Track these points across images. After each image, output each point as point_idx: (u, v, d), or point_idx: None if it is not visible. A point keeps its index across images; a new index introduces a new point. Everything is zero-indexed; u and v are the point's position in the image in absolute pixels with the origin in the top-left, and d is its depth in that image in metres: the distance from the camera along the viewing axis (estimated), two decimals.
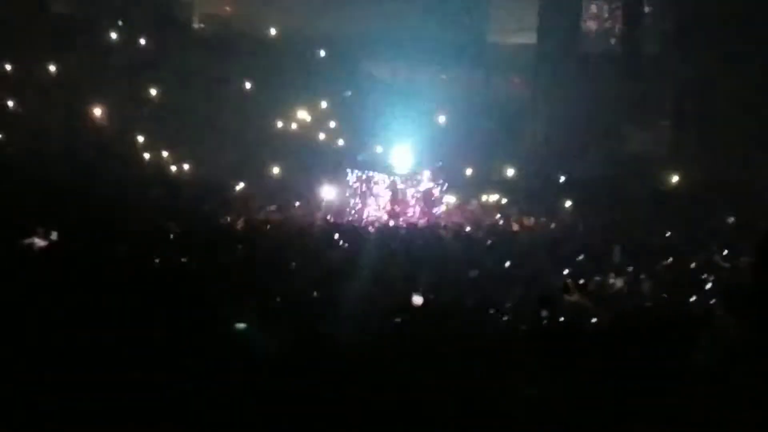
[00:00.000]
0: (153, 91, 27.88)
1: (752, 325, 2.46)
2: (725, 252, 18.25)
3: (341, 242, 18.25)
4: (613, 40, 35.98)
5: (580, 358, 6.49)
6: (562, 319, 9.41)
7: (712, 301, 12.89)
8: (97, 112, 24.96)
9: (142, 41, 30.79)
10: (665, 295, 14.08)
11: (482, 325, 8.16)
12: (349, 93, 33.14)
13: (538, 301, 10.62)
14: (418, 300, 9.62)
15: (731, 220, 22.65)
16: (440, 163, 25.78)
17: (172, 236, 16.31)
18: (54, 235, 13.33)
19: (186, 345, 6.25)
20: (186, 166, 24.68)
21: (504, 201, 25.70)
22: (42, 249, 12.40)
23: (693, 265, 17.38)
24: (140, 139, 25.16)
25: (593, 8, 36.36)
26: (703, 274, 16.04)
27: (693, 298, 13.48)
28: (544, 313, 9.24)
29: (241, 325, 8.31)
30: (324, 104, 31.58)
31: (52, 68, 26.64)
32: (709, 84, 30.59)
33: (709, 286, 14.62)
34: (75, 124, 24.82)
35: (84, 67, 27.16)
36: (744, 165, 27.31)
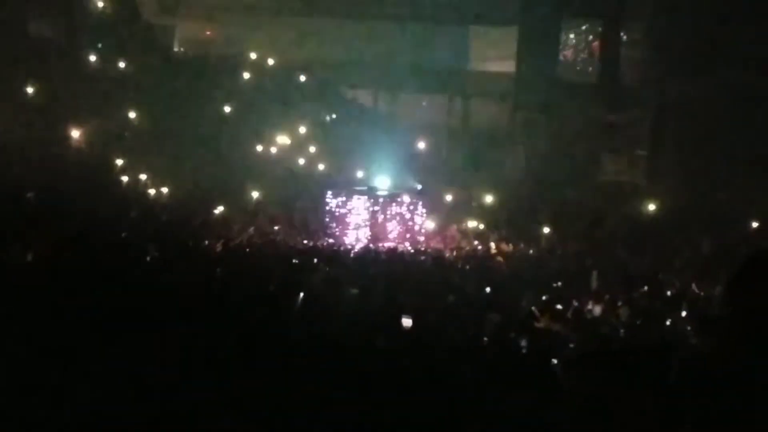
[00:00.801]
0: (132, 114, 27.86)
1: (725, 353, 2.50)
2: (701, 280, 18.43)
3: (321, 266, 18.23)
4: (590, 68, 36.42)
5: (557, 383, 6.53)
6: (537, 345, 9.45)
7: (688, 328, 13.00)
8: (76, 134, 24.90)
9: (122, 64, 30.76)
10: (640, 322, 14.15)
11: (461, 350, 8.19)
12: (333, 116, 33.30)
13: (515, 328, 10.67)
14: (407, 322, 9.58)
15: (707, 247, 22.86)
16: (420, 187, 25.94)
17: (149, 258, 16.24)
18: (29, 257, 13.24)
19: (162, 367, 6.23)
20: (165, 189, 24.64)
21: (482, 226, 25.82)
22: (17, 269, 12.30)
23: (669, 292, 17.53)
24: (119, 161, 25.10)
25: (572, 37, 36.81)
26: (679, 302, 16.16)
27: (668, 326, 13.58)
28: (523, 341, 9.26)
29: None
30: (304, 129, 31.67)
31: (30, 90, 26.57)
32: (687, 112, 30.97)
33: (684, 314, 14.73)
34: (53, 146, 24.73)
35: (63, 90, 27.09)
36: (720, 193, 27.61)
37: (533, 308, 12.47)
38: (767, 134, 28.85)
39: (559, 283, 17.63)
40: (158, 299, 8.32)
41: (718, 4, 30.16)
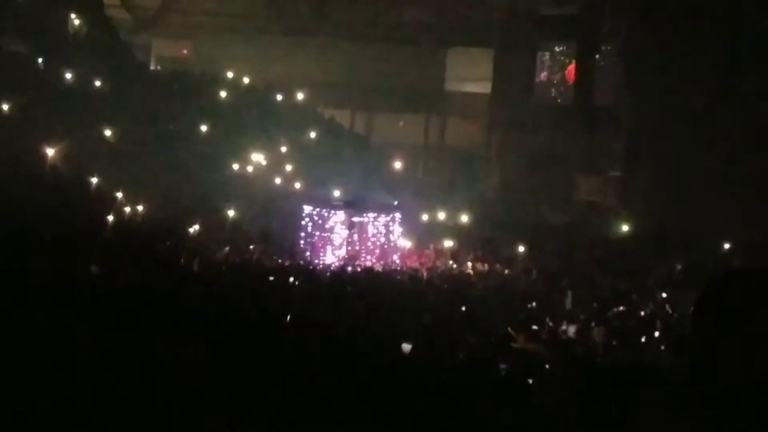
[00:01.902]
0: (108, 132, 27.71)
1: (695, 373, 2.55)
2: (674, 299, 18.59)
3: (296, 284, 18.23)
4: (564, 90, 36.75)
5: (534, 404, 6.58)
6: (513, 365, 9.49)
7: (662, 348, 13.12)
8: (51, 152, 24.71)
9: (98, 82, 30.62)
10: (615, 342, 14.25)
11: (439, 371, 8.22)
12: (311, 135, 33.32)
13: (493, 349, 10.71)
14: (406, 347, 9.57)
15: (680, 267, 23.06)
16: (396, 203, 25.96)
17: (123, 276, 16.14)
18: None
19: (137, 392, 6.20)
20: (140, 207, 24.50)
21: (457, 246, 25.88)
22: None
23: (642, 313, 17.67)
24: (94, 179, 24.94)
25: (547, 59, 37.17)
26: (652, 322, 16.29)
27: (642, 347, 13.68)
28: (502, 365, 9.29)
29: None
30: (281, 147, 31.67)
31: (5, 107, 26.38)
32: (660, 134, 31.29)
33: (657, 333, 14.86)
34: (28, 163, 24.53)
35: (38, 107, 26.91)
36: (693, 214, 27.85)
37: (510, 329, 12.52)
38: (740, 155, 29.22)
39: (533, 304, 17.72)
40: (134, 317, 8.28)
41: (692, 26, 30.57)
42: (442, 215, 28.52)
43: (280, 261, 23.20)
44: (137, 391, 5.93)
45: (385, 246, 24.76)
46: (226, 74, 35.29)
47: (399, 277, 21.60)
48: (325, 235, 24.48)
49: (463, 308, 16.29)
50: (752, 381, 2.41)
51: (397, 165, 33.64)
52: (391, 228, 24.95)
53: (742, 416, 2.42)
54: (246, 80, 35.66)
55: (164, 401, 5.73)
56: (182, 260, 19.76)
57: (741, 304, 2.47)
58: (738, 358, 2.43)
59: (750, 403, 2.41)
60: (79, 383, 5.84)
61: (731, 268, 2.60)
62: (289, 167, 30.67)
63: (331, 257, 24.27)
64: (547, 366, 9.91)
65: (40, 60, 29.99)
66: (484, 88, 37.14)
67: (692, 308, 2.70)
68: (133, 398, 5.86)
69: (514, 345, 11.10)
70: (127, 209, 24.40)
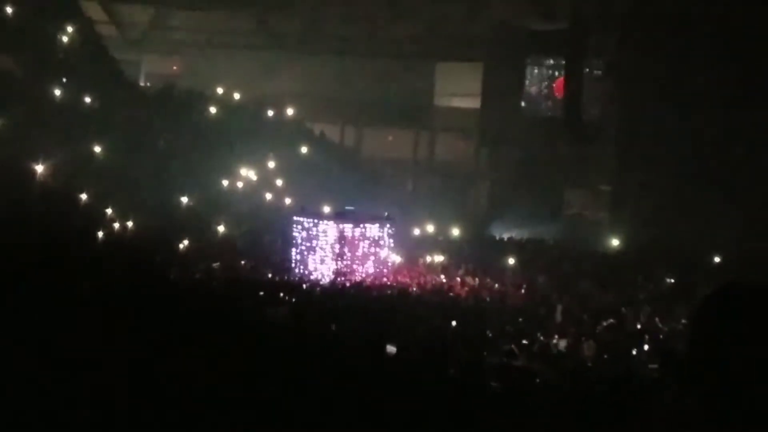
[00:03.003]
0: (98, 149, 27.62)
1: (689, 389, 2.55)
2: (664, 314, 18.63)
3: (286, 299, 18.22)
4: (554, 104, 36.89)
5: (528, 419, 6.58)
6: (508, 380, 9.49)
7: (654, 364, 13.13)
8: (40, 168, 24.63)
9: (87, 99, 30.54)
10: (604, 356, 14.26)
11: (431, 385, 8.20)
12: (301, 150, 33.32)
13: (489, 366, 10.71)
14: (391, 350, 9.58)
15: (670, 282, 23.10)
16: (386, 214, 25.94)
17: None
18: None
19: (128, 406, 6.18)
20: (130, 223, 24.44)
21: (448, 261, 25.87)
22: None
23: (637, 326, 17.70)
24: (84, 196, 24.87)
25: (536, 73, 37.32)
26: (642, 337, 16.32)
27: (632, 362, 13.70)
28: (495, 383, 9.29)
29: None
30: (271, 163, 31.66)
31: None
32: (649, 147, 31.43)
33: (647, 348, 14.88)
34: (17, 180, 24.44)
35: (27, 124, 26.82)
36: (682, 227, 27.96)
37: (513, 346, 12.51)
38: (731, 168, 29.37)
39: (520, 319, 17.71)
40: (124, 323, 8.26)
41: (681, 40, 30.76)
42: (432, 229, 28.54)
43: (270, 275, 23.15)
44: (132, 395, 5.91)
45: (376, 260, 24.71)
46: (215, 90, 35.26)
47: (389, 292, 21.57)
48: (315, 249, 24.42)
49: (454, 323, 16.29)
50: (751, 392, 2.41)
51: (387, 179, 33.66)
52: (381, 242, 24.92)
53: (742, 425, 2.42)
54: (236, 96, 35.65)
55: (161, 405, 5.71)
56: (171, 275, 19.70)
57: (740, 316, 2.48)
58: (737, 369, 2.44)
59: (749, 413, 2.42)
60: (75, 386, 5.83)
61: (730, 281, 2.62)
62: (279, 182, 30.68)
63: (321, 271, 24.20)
64: (538, 380, 9.91)
65: (28, 76, 29.88)
66: (473, 102, 37.25)
67: (691, 320, 2.71)
68: (130, 402, 5.85)
69: (515, 363, 11.08)
70: (116, 225, 24.33)
